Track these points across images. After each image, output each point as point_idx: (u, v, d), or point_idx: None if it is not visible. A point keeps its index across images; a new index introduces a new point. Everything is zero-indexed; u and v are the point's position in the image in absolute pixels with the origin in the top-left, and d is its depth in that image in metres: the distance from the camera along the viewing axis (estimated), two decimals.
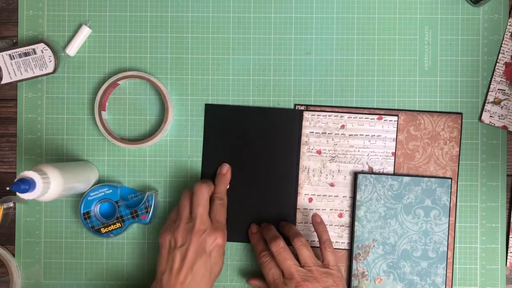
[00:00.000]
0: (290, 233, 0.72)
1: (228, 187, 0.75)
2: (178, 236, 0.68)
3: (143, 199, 0.75)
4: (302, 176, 0.76)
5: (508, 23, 0.77)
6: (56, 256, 0.77)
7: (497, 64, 0.77)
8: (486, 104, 0.77)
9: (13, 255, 0.77)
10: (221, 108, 0.75)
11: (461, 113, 0.76)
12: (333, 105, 0.77)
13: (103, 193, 0.74)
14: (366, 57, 0.77)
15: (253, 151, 0.75)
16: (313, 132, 0.76)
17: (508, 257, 0.76)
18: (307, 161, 0.76)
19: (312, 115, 0.76)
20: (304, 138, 0.76)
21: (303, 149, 0.76)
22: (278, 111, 0.76)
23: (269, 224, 0.75)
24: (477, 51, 0.77)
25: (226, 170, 0.75)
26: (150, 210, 0.74)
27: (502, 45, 0.77)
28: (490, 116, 0.76)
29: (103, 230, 0.74)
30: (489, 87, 0.77)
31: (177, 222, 0.70)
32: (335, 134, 0.76)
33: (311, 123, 0.76)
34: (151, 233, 0.77)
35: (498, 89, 0.76)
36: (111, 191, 0.74)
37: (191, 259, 0.67)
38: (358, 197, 0.74)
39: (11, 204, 0.76)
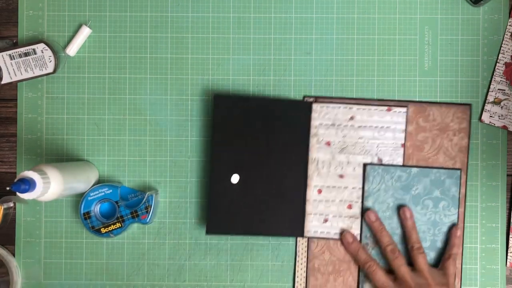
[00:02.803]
0: (413, 238, 0.72)
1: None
2: None
3: (143, 199, 0.75)
4: (311, 168, 0.76)
5: (508, 23, 0.77)
6: (56, 256, 0.77)
7: (497, 64, 0.77)
8: (486, 104, 0.77)
9: (13, 255, 0.77)
10: (230, 99, 0.75)
11: (469, 104, 0.76)
12: (342, 96, 0.77)
13: (103, 193, 0.74)
14: (366, 57, 0.77)
15: (262, 142, 0.75)
16: (322, 123, 0.76)
17: (508, 257, 0.76)
18: (316, 152, 0.76)
19: (321, 106, 0.76)
20: (313, 130, 0.76)
21: (312, 140, 0.76)
22: (287, 102, 0.75)
23: (381, 226, 0.74)
24: (477, 51, 0.77)
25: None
26: (150, 210, 0.74)
27: (502, 45, 0.77)
28: (490, 116, 0.76)
29: (103, 230, 0.74)
30: (489, 87, 0.77)
31: None
32: (344, 125, 0.76)
33: (320, 114, 0.76)
34: (151, 233, 0.77)
35: (498, 89, 0.76)
36: (111, 191, 0.74)
37: None
38: (366, 187, 0.74)
39: (11, 204, 0.76)
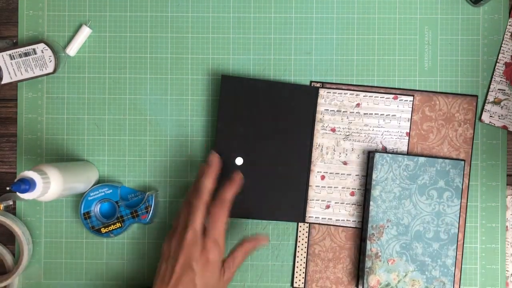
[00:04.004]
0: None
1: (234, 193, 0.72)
2: (171, 246, 0.66)
3: (143, 199, 0.75)
4: (315, 154, 0.76)
5: (508, 23, 0.77)
6: (56, 256, 0.77)
7: (497, 64, 0.77)
8: (486, 104, 0.77)
9: (13, 255, 0.77)
10: (238, 80, 0.75)
11: (476, 96, 0.76)
12: (349, 83, 0.77)
13: (103, 193, 0.74)
14: (366, 57, 0.77)
15: (267, 125, 0.75)
16: (328, 109, 0.76)
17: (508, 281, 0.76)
18: (321, 138, 0.76)
19: (327, 92, 0.76)
20: (318, 116, 0.76)
21: (317, 126, 0.76)
22: (294, 87, 0.75)
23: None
24: (477, 51, 0.77)
25: (238, 178, 0.72)
26: (150, 210, 0.74)
27: (502, 45, 0.77)
28: (490, 116, 0.76)
29: (103, 230, 0.74)
30: (489, 87, 0.77)
31: (176, 229, 0.68)
32: (350, 112, 0.76)
33: (326, 100, 0.76)
34: (151, 233, 0.77)
35: (498, 89, 0.76)
36: (111, 191, 0.74)
37: (177, 274, 0.65)
38: (374, 176, 0.74)
39: (10, 202, 0.76)
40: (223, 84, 0.74)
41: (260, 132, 0.75)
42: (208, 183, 0.69)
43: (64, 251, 0.77)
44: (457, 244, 0.74)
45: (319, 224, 0.76)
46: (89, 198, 0.74)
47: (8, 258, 0.76)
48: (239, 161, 0.75)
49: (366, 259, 0.74)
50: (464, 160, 0.75)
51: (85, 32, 0.77)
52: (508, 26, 0.77)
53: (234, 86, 0.74)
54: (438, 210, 0.74)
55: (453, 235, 0.74)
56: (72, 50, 0.77)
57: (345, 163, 0.76)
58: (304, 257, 0.76)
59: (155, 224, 0.77)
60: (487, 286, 0.76)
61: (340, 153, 0.76)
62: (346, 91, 0.76)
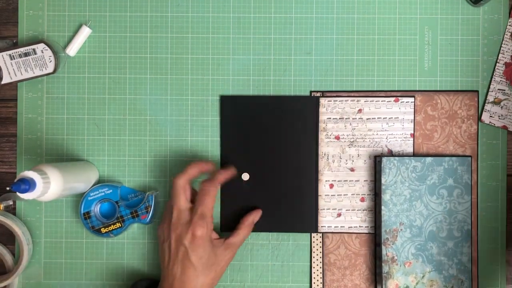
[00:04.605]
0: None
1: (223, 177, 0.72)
2: (164, 229, 0.69)
3: (143, 199, 0.75)
4: (321, 163, 0.76)
5: (508, 23, 0.77)
6: (56, 256, 0.77)
7: (497, 64, 0.77)
8: (486, 104, 0.77)
9: (13, 255, 0.77)
10: (236, 99, 0.75)
11: (477, 91, 0.76)
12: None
13: (103, 193, 0.74)
14: (366, 57, 0.77)
15: (271, 140, 0.75)
16: (330, 118, 0.76)
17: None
18: (326, 147, 0.76)
19: (328, 101, 0.76)
20: (321, 125, 0.76)
21: (321, 135, 0.76)
22: (294, 98, 0.76)
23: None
24: (477, 51, 0.77)
25: (232, 169, 0.73)
26: (150, 210, 0.74)
27: (502, 45, 0.77)
28: (490, 116, 0.76)
29: (103, 230, 0.74)
30: (489, 87, 0.77)
31: (167, 212, 0.71)
32: (353, 118, 0.76)
33: (327, 109, 0.76)
34: (151, 233, 0.77)
35: (498, 89, 0.76)
36: (111, 191, 0.74)
37: (173, 253, 0.67)
38: (383, 181, 0.74)
39: (10, 202, 0.76)
40: (222, 104, 0.75)
41: (264, 148, 0.75)
42: (212, 172, 0.71)
43: (64, 251, 0.77)
44: (471, 241, 0.74)
45: (332, 233, 0.76)
46: (89, 198, 0.74)
47: (8, 258, 0.76)
48: (245, 177, 0.75)
49: (383, 264, 0.74)
50: (470, 156, 0.74)
51: (85, 32, 0.77)
52: (508, 26, 0.77)
53: (234, 105, 0.75)
54: (450, 208, 0.74)
55: (466, 231, 0.74)
56: (72, 50, 0.77)
57: (352, 169, 0.76)
58: (320, 267, 0.76)
59: (155, 224, 0.77)
60: (487, 286, 0.76)
61: (346, 160, 0.76)
62: (346, 98, 0.76)
